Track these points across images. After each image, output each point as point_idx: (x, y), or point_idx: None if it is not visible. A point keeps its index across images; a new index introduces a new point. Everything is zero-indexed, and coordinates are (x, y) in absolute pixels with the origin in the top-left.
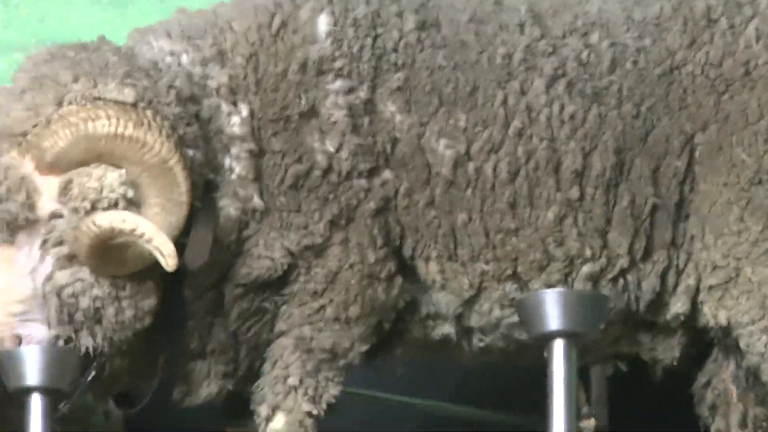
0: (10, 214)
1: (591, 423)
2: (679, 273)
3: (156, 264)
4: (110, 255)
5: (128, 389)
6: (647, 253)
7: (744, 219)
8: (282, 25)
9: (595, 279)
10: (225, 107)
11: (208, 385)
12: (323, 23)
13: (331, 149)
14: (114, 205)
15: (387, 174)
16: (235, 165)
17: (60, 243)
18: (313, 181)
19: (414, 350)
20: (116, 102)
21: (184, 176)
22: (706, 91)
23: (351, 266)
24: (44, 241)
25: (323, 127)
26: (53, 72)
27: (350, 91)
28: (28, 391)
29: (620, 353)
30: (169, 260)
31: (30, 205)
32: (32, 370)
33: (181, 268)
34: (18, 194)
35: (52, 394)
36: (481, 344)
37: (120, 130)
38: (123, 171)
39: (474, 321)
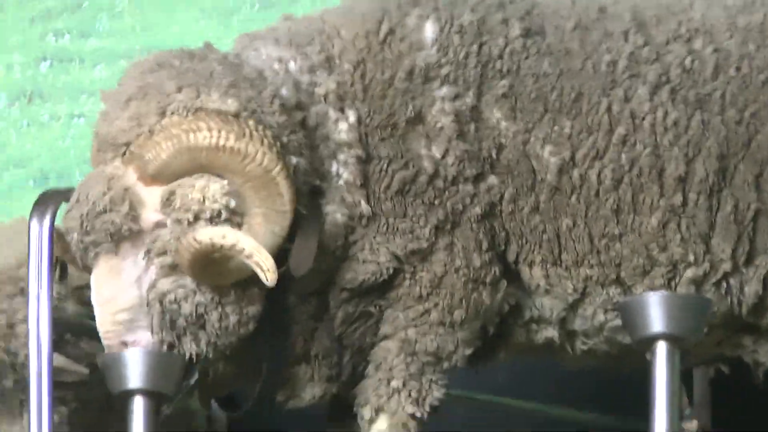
0: (115, 225)
1: (694, 425)
2: None
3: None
4: (212, 267)
5: (233, 393)
6: (750, 258)
7: None
8: (389, 32)
9: (698, 283)
10: (332, 114)
11: (312, 388)
12: (430, 30)
13: (438, 155)
14: (217, 216)
15: (492, 180)
16: (343, 171)
17: (163, 253)
18: (420, 186)
19: (517, 353)
20: (218, 113)
21: (287, 186)
22: None
23: (456, 270)
24: (148, 251)
25: (430, 133)
26: (158, 81)
27: (456, 97)
28: (131, 393)
29: (722, 356)
30: (268, 275)
31: (133, 216)
32: (135, 373)
33: (286, 274)
34: (122, 205)
35: (154, 397)
36: (585, 347)
37: (221, 141)
38: (225, 182)
39: (577, 325)
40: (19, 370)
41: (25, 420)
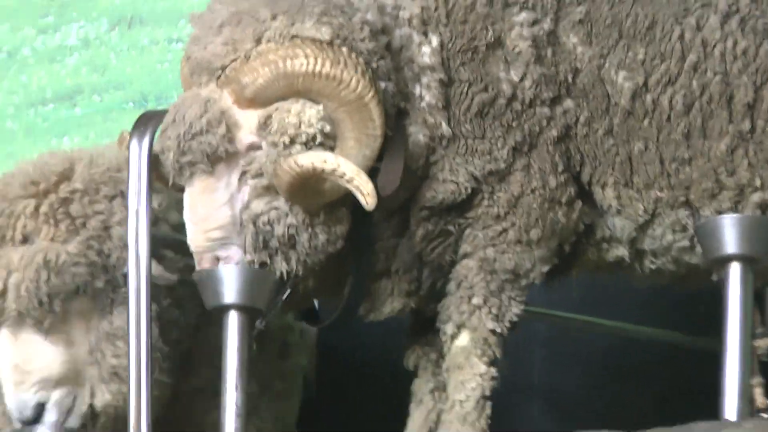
0: (211, 147)
1: (765, 342)
2: None
3: (349, 192)
4: (308, 189)
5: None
6: None
7: None
8: None
9: (764, 207)
10: (416, 37)
11: (391, 302)
12: None
13: (516, 78)
14: (312, 140)
15: (568, 103)
16: (425, 93)
17: (259, 175)
18: (498, 109)
19: (588, 271)
20: (313, 40)
21: (378, 111)
22: None
23: (533, 191)
24: (243, 173)
25: (508, 57)
26: (252, 8)
27: (534, 23)
28: (226, 308)
29: None
30: (368, 199)
31: (229, 138)
32: (230, 288)
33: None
34: (218, 127)
35: (249, 312)
36: (653, 266)
37: (317, 68)
38: (320, 107)
39: (647, 244)
40: (111, 271)
41: (114, 316)
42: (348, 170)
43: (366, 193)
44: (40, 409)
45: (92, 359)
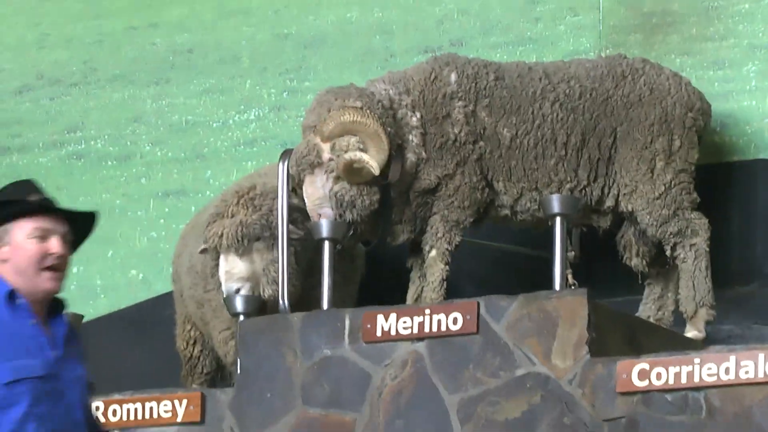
0: (311, 161)
1: (572, 254)
2: (610, 188)
3: (377, 178)
4: (354, 172)
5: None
6: (595, 179)
7: (639, 164)
8: (435, 78)
9: (571, 191)
10: (409, 113)
11: (402, 235)
12: (453, 76)
13: (456, 132)
14: (354, 152)
15: (481, 143)
16: (414, 139)
17: (332, 171)
18: (449, 146)
19: (492, 221)
20: (353, 107)
21: (385, 139)
22: (622, 108)
23: (465, 183)
24: (326, 171)
25: (452, 122)
26: (327, 98)
27: (465, 106)
28: (323, 240)
29: (583, 224)
30: (377, 171)
31: (319, 156)
32: (324, 229)
33: (388, 182)
34: (314, 152)
35: (333, 241)
36: (521, 219)
37: (356, 119)
38: (357, 137)
39: (518, 209)
40: (272, 229)
41: (273, 252)
42: (368, 160)
43: (374, 168)
44: (237, 291)
45: (264, 273)
